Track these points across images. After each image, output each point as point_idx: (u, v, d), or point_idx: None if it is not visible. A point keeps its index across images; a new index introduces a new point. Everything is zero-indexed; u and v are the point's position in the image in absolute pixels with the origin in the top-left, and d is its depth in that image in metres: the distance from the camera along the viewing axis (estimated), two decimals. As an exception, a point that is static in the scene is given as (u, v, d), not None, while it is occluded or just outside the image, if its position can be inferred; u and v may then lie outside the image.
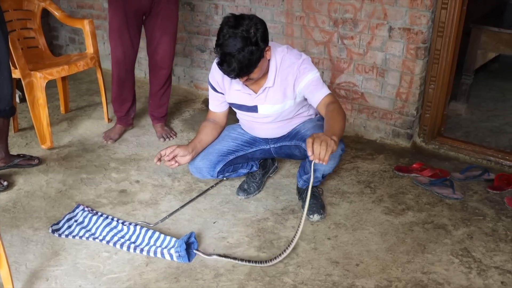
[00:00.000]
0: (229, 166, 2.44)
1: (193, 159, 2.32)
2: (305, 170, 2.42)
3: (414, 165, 2.97)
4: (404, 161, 3.03)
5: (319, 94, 2.16)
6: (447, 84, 3.13)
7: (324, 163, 1.85)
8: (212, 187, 2.68)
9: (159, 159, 2.19)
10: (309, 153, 1.83)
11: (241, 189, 2.60)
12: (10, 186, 2.68)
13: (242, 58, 1.96)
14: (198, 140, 2.34)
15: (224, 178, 2.73)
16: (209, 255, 2.11)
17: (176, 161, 2.21)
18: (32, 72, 2.94)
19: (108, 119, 3.59)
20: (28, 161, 2.88)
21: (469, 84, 3.95)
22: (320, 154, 1.82)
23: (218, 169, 2.36)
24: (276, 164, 2.81)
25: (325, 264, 2.10)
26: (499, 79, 4.65)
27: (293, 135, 2.39)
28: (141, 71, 4.37)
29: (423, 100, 3.22)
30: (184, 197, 2.60)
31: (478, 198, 2.63)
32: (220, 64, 2.01)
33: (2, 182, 2.67)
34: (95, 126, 3.52)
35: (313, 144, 1.84)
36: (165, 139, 3.32)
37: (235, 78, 2.07)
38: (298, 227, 1.98)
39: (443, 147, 3.24)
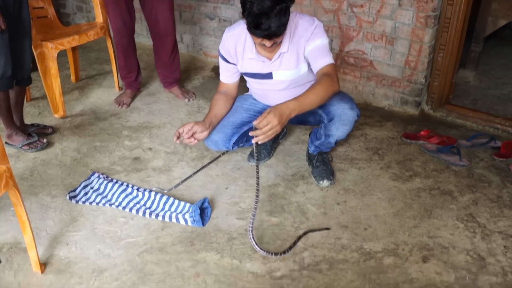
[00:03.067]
0: (243, 137, 2.50)
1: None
2: (317, 136, 2.47)
3: (422, 133, 3.01)
4: (412, 129, 3.07)
5: (321, 61, 2.16)
6: (456, 53, 3.14)
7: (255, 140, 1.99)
8: (223, 153, 2.74)
9: (178, 137, 2.23)
10: (256, 123, 1.97)
11: (252, 155, 2.66)
12: (25, 155, 2.74)
13: (277, 16, 1.93)
14: (213, 114, 2.39)
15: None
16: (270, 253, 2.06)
17: (195, 138, 2.26)
18: (43, 43, 2.98)
19: (119, 87, 3.62)
20: (42, 130, 2.95)
21: (478, 52, 3.95)
22: (259, 136, 1.97)
23: (233, 140, 2.43)
24: (285, 130, 2.86)
25: (334, 228, 2.17)
26: (509, 47, 4.62)
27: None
28: (150, 38, 4.37)
29: (431, 68, 3.24)
30: (196, 164, 2.67)
31: (484, 165, 2.68)
32: (256, 27, 1.96)
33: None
34: (106, 94, 3.57)
35: (264, 120, 1.96)
36: (189, 100, 3.42)
37: (271, 38, 2.05)
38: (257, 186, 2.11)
39: (451, 114, 3.27)
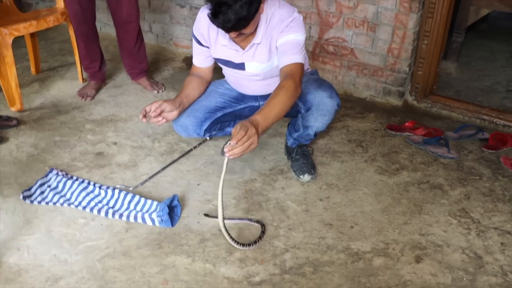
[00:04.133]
0: (216, 124, 2.28)
1: (179, 115, 2.14)
2: (295, 127, 2.26)
3: (407, 124, 2.85)
4: (396, 120, 2.89)
5: (288, 58, 1.94)
6: (441, 40, 2.98)
7: (230, 157, 1.69)
8: (195, 147, 2.51)
9: (144, 116, 1.99)
10: (232, 142, 1.67)
11: None
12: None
13: (239, 9, 1.74)
14: (184, 94, 2.15)
15: (207, 138, 2.56)
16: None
17: (163, 117, 2.02)
18: (-3, 28, 2.70)
19: (83, 79, 3.38)
20: (5, 122, 2.67)
21: (460, 42, 3.83)
22: (236, 150, 1.67)
23: (205, 127, 2.20)
24: None
25: (318, 227, 1.96)
26: (488, 39, 4.54)
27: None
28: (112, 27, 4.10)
29: (415, 57, 3.07)
30: (165, 159, 2.43)
31: (474, 158, 2.52)
32: (214, 16, 1.77)
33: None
34: (68, 86, 3.30)
35: (237, 135, 1.67)
36: (158, 91, 3.19)
37: (229, 31, 1.85)
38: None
39: (436, 105, 3.11)
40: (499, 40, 4.46)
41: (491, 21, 4.87)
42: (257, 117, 1.73)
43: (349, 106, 3.09)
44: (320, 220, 2.01)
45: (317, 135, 2.24)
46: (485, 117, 2.97)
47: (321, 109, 2.04)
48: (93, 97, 3.13)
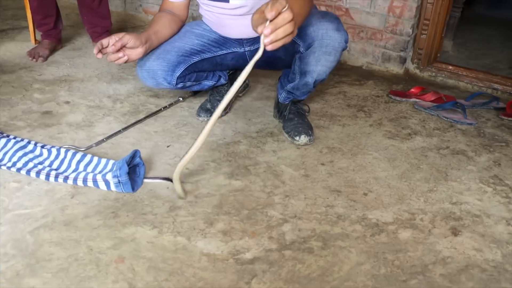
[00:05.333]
0: (191, 73, 1.80)
1: (144, 56, 1.66)
2: (289, 77, 1.81)
3: (413, 90, 2.45)
4: (398, 88, 2.47)
5: None
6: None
7: (266, 47, 1.15)
8: (164, 108, 2.04)
9: (100, 51, 1.50)
10: (268, 15, 1.11)
11: (203, 109, 1.97)
12: None
13: None
14: (153, 30, 1.68)
15: (180, 99, 2.09)
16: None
17: (124, 55, 1.53)
18: None
19: (36, 40, 2.85)
20: None
21: (457, 18, 3.45)
22: (279, 31, 1.12)
23: (178, 73, 1.72)
24: (247, 81, 2.17)
25: (322, 194, 1.50)
26: (479, 25, 4.20)
27: (275, 29, 1.75)
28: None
29: (419, 18, 2.64)
30: (128, 119, 1.95)
31: (494, 125, 2.12)
32: None
33: None
34: (18, 47, 2.79)
35: (276, 4, 1.11)
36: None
37: None
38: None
39: (441, 74, 2.70)
40: (489, 26, 4.14)
41: (477, 10, 4.57)
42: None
43: (344, 74, 2.67)
44: (325, 186, 1.55)
45: (317, 85, 1.78)
46: (498, 86, 2.59)
47: (326, 45, 1.59)
48: (46, 58, 2.63)
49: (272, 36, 1.10)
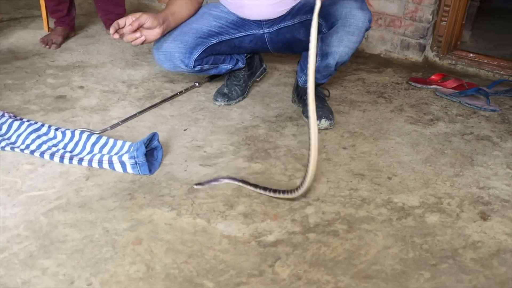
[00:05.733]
0: (209, 56, 1.75)
1: (161, 38, 1.61)
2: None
3: (433, 77, 2.38)
4: (417, 76, 2.40)
5: None
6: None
7: None
8: (180, 92, 2.00)
9: (117, 31, 1.46)
10: None
11: (220, 93, 1.92)
12: None
13: None
14: (170, 11, 1.63)
15: (196, 84, 2.05)
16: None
17: (142, 35, 1.49)
18: None
19: (49, 27, 2.82)
20: None
21: (476, 7, 3.37)
22: None
23: (195, 55, 1.68)
24: (264, 66, 2.12)
25: (345, 177, 1.45)
26: (496, 17, 4.10)
27: (296, 10, 1.71)
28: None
29: (439, 4, 2.57)
30: (143, 103, 1.91)
31: (518, 112, 2.03)
32: None
33: None
34: (31, 35, 2.76)
35: None
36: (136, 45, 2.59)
37: None
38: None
39: (461, 62, 2.63)
40: (507, 18, 4.04)
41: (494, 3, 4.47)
42: None
43: (362, 61, 2.61)
44: (347, 170, 1.50)
45: (337, 67, 1.72)
46: (521, 74, 2.49)
47: (349, 24, 1.53)
48: (59, 45, 2.59)
49: None
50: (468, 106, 2.11)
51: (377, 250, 1.17)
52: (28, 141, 1.58)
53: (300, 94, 1.89)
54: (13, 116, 1.75)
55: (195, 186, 1.36)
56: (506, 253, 1.20)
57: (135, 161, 1.39)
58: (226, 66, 1.89)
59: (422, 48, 2.67)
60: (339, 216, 1.29)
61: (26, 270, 1.08)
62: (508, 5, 4.57)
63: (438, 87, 2.32)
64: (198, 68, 1.73)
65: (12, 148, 1.55)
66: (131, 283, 1.06)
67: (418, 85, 2.33)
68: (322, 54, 1.67)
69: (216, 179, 1.39)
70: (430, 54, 2.71)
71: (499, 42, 3.43)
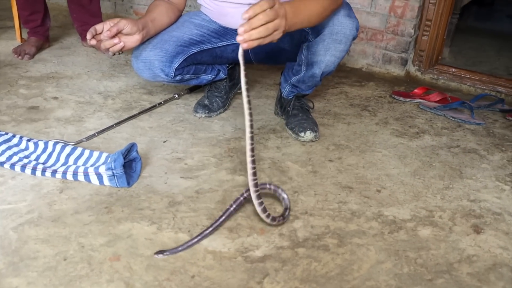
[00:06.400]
0: (190, 65, 1.69)
1: (140, 46, 1.54)
2: (294, 70, 1.70)
3: (416, 90, 2.37)
4: (400, 89, 2.38)
5: None
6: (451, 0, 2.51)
7: (241, 44, 1.08)
8: (159, 104, 1.93)
9: (94, 37, 1.38)
10: (244, 15, 1.07)
11: (201, 105, 1.85)
12: None
13: None
14: (150, 18, 1.57)
15: (176, 96, 1.98)
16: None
17: (120, 41, 1.41)
18: None
19: (22, 38, 2.72)
20: None
21: (454, 24, 3.39)
22: (254, 32, 1.07)
23: (176, 64, 1.61)
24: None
25: (333, 190, 1.39)
26: (472, 35, 4.15)
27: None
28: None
29: (421, 18, 2.57)
30: (121, 115, 1.83)
31: (502, 126, 2.05)
32: None
33: None
34: (3, 45, 2.66)
35: (258, 4, 1.08)
36: (114, 54, 2.51)
37: None
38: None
39: (443, 76, 2.63)
40: (483, 36, 4.09)
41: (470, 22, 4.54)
42: (285, 5, 1.14)
43: (343, 75, 2.57)
44: (335, 182, 1.44)
45: (323, 78, 1.67)
46: (501, 88, 2.53)
47: (336, 32, 1.49)
48: (32, 56, 2.50)
49: (246, 36, 1.06)
50: (453, 119, 2.09)
51: (370, 265, 1.11)
52: (-3, 153, 1.47)
53: (283, 105, 1.83)
54: (-18, 126, 1.65)
55: (155, 256, 1.13)
56: (502, 267, 1.15)
57: (113, 173, 1.30)
58: (207, 77, 1.83)
59: (404, 62, 2.65)
60: (328, 230, 1.23)
61: (-8, 290, 0.99)
62: (484, 25, 4.65)
63: (421, 100, 2.30)
64: (178, 77, 1.66)
65: (-20, 160, 1.44)
66: (107, 303, 0.97)
67: (402, 98, 2.30)
68: (308, 63, 1.62)
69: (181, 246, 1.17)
70: (412, 69, 2.70)
71: (476, 59, 3.46)
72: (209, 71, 1.83)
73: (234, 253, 1.12)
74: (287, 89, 1.78)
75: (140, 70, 1.64)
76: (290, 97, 1.81)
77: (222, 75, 1.88)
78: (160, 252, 1.10)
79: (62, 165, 1.43)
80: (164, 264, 1.08)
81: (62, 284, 1.02)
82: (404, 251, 1.18)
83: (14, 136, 1.58)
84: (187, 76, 1.72)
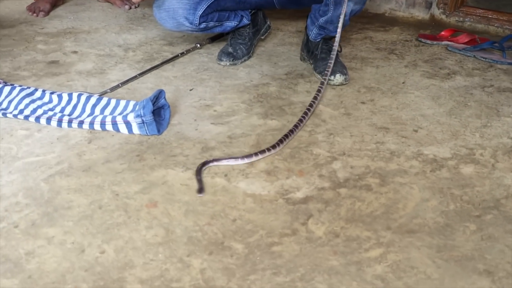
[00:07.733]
0: (213, 12, 1.63)
1: None
2: (320, 11, 1.62)
3: (443, 33, 2.27)
4: (426, 32, 2.28)
5: None
6: None
7: None
8: (182, 53, 1.86)
9: None
10: None
11: (225, 53, 1.79)
12: None
13: None
14: None
15: (198, 45, 1.92)
16: None
17: None
18: None
19: (35, -4, 2.65)
20: None
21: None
22: None
23: (200, 11, 1.55)
24: (268, 22, 1.99)
25: (369, 131, 1.34)
26: None
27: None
28: None
29: (445, -43, 2.45)
30: (143, 66, 1.79)
31: (535, 65, 1.92)
32: None
33: None
34: (16, 3, 2.60)
35: None
36: (130, 7, 2.46)
37: None
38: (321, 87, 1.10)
39: (469, 18, 2.51)
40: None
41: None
42: None
43: (366, 21, 2.48)
44: (370, 123, 1.39)
45: (351, 17, 1.59)
46: (531, 28, 2.38)
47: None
48: (47, 13, 2.44)
49: None
50: (484, 60, 2.01)
51: (415, 203, 1.07)
52: (21, 106, 1.45)
53: (311, 49, 1.77)
54: (3, 82, 1.61)
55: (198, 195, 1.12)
56: (552, 202, 1.10)
57: (142, 120, 1.26)
58: (231, 24, 1.76)
59: (429, 6, 2.55)
60: (369, 170, 1.18)
61: (29, 239, 0.97)
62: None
63: (449, 42, 2.21)
64: (203, 25, 1.60)
65: (4, 114, 1.42)
66: (149, 248, 0.94)
67: (428, 41, 2.22)
68: (336, 1, 1.54)
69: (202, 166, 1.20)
70: (437, 12, 2.59)
71: (501, 2, 3.31)
72: (232, 17, 1.77)
73: (274, 195, 1.09)
74: (315, 32, 1.71)
75: (163, 20, 1.58)
76: (317, 40, 1.74)
77: (245, 21, 1.81)
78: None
79: (89, 115, 1.39)
80: (203, 209, 1.05)
81: (99, 232, 0.99)
82: (448, 188, 1.13)
83: (36, 89, 1.54)
84: (211, 24, 1.66)
